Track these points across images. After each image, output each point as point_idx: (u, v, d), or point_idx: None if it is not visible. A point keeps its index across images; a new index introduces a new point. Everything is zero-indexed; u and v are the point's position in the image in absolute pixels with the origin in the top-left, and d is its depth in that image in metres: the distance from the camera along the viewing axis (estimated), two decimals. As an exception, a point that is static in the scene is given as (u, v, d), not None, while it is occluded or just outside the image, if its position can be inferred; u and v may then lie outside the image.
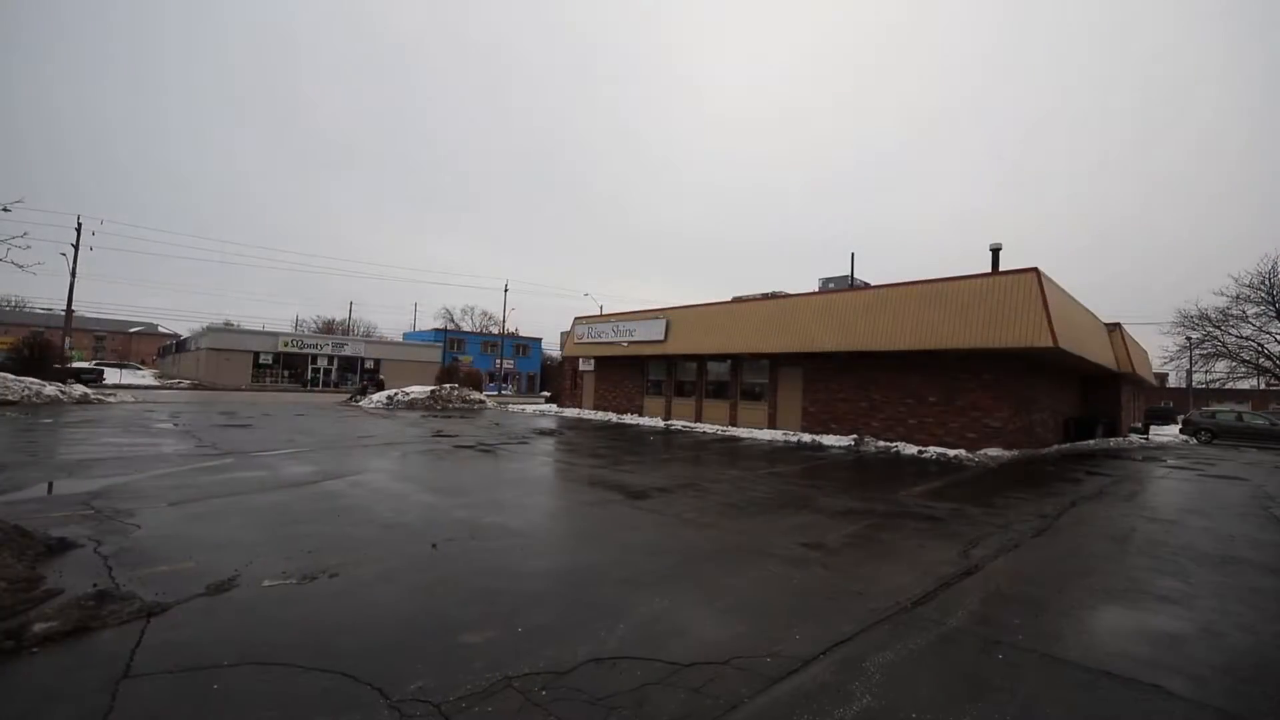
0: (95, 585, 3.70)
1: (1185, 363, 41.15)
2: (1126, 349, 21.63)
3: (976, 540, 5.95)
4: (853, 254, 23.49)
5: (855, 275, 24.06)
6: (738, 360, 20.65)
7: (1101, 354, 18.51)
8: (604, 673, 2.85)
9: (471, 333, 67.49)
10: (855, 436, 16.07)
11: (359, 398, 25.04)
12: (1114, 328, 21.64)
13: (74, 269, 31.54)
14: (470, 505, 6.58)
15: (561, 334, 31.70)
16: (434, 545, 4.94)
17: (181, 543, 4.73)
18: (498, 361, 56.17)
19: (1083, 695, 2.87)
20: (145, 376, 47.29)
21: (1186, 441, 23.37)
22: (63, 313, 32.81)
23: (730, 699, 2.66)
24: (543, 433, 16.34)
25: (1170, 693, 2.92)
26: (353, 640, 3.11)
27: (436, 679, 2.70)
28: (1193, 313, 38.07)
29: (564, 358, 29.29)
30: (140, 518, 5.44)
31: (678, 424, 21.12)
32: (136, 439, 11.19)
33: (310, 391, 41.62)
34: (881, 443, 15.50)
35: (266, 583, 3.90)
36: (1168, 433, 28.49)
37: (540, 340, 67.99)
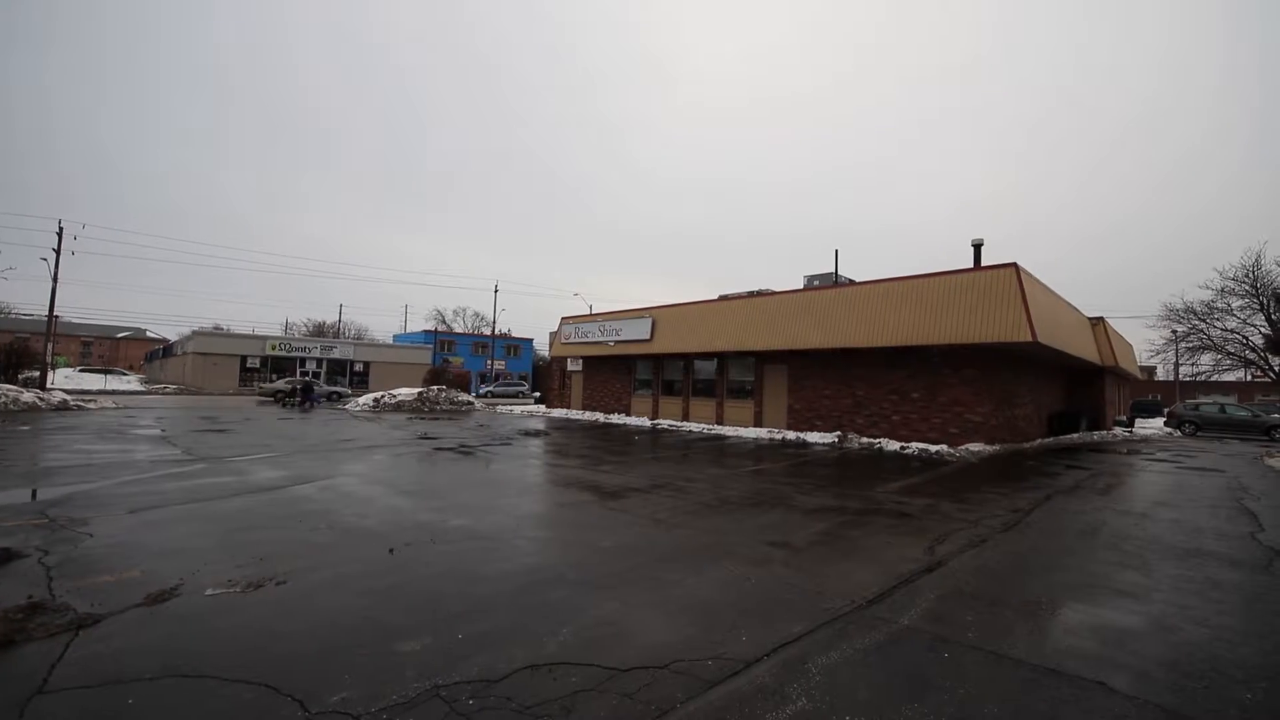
0: (30, 597, 3.62)
1: (1172, 356, 41.52)
2: (1110, 343, 21.75)
3: (944, 536, 5.93)
4: (836, 251, 23.52)
5: (841, 272, 24.09)
6: (724, 359, 20.64)
7: (1084, 348, 18.60)
8: (538, 680, 2.79)
9: (463, 334, 67.26)
10: (839, 433, 16.07)
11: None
12: (1097, 322, 21.76)
13: (55, 274, 31.14)
14: (438, 509, 6.51)
15: (550, 334, 31.61)
16: (391, 550, 4.87)
17: (131, 551, 4.64)
18: (489, 363, 55.96)
19: (1023, 693, 2.84)
20: (131, 382, 46.88)
21: (1171, 434, 23.54)
22: (55, 318, 32.48)
23: (662, 704, 2.62)
24: (527, 434, 16.26)
25: (1112, 689, 2.89)
26: (285, 650, 3.04)
27: (362, 689, 2.64)
28: (1178, 306, 38.46)
29: (552, 358, 29.22)
30: (94, 526, 5.33)
31: (664, 423, 21.08)
32: (110, 445, 11.03)
33: (299, 395, 41.28)
34: (865, 439, 15.51)
35: (209, 591, 3.83)
36: (1153, 425, 28.69)
37: (531, 341, 67.89)
